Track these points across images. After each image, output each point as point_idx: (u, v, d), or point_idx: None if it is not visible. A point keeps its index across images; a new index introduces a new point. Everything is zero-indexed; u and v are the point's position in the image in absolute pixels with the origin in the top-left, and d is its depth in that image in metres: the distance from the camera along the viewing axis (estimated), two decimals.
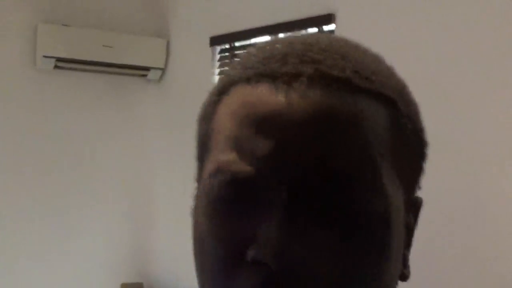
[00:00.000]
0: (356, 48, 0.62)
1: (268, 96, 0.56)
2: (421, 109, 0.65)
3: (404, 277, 0.61)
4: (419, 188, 0.65)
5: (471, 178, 2.42)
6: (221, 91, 0.62)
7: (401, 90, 0.62)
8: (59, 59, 3.93)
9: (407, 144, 0.60)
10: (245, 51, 0.64)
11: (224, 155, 0.57)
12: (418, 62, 2.58)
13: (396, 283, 0.60)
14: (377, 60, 0.63)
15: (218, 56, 3.94)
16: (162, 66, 4.25)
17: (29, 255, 3.95)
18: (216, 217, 0.57)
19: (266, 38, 3.59)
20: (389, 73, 0.62)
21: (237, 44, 3.80)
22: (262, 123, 0.55)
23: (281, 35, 3.52)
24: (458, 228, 2.46)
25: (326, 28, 3.17)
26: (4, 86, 3.91)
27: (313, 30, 3.24)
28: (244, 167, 0.55)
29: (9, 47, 3.92)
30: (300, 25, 3.28)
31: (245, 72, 0.59)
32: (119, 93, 4.29)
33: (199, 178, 0.64)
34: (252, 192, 0.55)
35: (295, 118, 0.54)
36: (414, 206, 0.64)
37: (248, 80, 0.58)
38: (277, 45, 0.60)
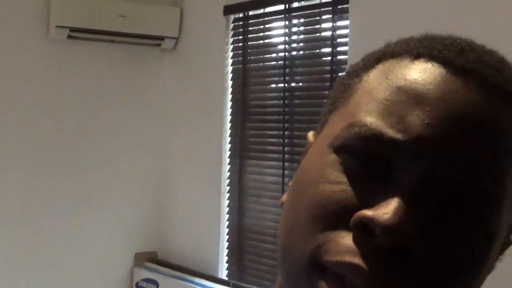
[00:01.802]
0: (493, 54, 0.59)
1: (435, 78, 0.54)
2: None
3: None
4: None
5: None
6: (379, 60, 0.60)
7: None
8: (72, 29, 3.92)
9: None
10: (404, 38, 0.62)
11: (367, 116, 0.54)
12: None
13: None
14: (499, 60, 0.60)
15: (231, 25, 3.92)
16: (176, 35, 4.24)
17: (42, 224, 3.98)
18: (333, 167, 0.55)
19: (280, 7, 3.57)
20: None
21: (251, 13, 3.78)
22: (419, 95, 0.53)
23: (295, 4, 3.49)
24: None
25: (340, 6, 3.15)
26: (16, 56, 3.91)
27: (326, 7, 3.21)
28: (386, 129, 0.53)
29: (22, 16, 3.91)
30: None
31: (413, 49, 0.58)
32: (133, 62, 4.28)
33: (318, 133, 0.62)
34: (384, 158, 0.53)
35: (456, 104, 0.53)
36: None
37: (416, 56, 0.57)
38: (450, 39, 0.59)
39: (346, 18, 3.21)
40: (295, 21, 3.55)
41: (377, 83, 0.57)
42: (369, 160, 0.53)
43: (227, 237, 3.93)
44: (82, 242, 4.11)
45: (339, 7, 3.23)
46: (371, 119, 0.54)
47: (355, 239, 0.51)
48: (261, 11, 3.73)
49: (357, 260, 0.50)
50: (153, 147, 4.37)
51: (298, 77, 3.62)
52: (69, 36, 3.96)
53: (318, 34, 3.46)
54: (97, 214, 4.17)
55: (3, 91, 3.86)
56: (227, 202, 3.94)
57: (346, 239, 0.51)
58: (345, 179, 0.53)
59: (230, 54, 3.93)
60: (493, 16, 2.43)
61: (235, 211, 3.86)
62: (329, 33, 3.35)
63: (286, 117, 3.58)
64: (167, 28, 4.20)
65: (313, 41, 3.51)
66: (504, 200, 0.53)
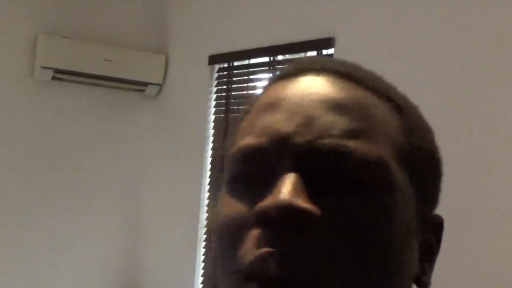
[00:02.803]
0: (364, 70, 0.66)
1: (281, 90, 0.60)
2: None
3: (423, 284, 0.61)
4: (436, 206, 0.65)
5: (475, 179, 2.42)
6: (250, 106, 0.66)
7: (406, 101, 0.65)
8: (57, 71, 3.94)
9: (420, 156, 0.61)
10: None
11: (239, 141, 0.60)
12: (416, 85, 2.59)
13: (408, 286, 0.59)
14: (379, 77, 0.66)
15: (216, 75, 3.95)
16: (160, 82, 4.26)
17: (23, 261, 3.93)
18: (232, 194, 0.59)
19: (265, 59, 3.61)
20: (392, 86, 0.65)
21: (235, 63, 3.82)
22: (272, 106, 0.59)
23: (279, 57, 3.53)
24: (459, 229, 2.46)
25: (325, 51, 3.18)
26: (0, 95, 3.91)
27: (312, 53, 3.25)
28: (253, 140, 0.57)
29: (8, 55, 3.92)
30: (299, 48, 3.29)
31: (286, 69, 0.65)
32: (116, 106, 4.30)
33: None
34: (260, 163, 0.57)
35: (304, 101, 0.58)
36: (432, 224, 0.64)
37: (269, 85, 0.64)
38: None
39: None
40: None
41: (247, 119, 0.62)
42: (253, 174, 0.57)
43: (201, 286, 3.89)
44: (59, 282, 4.05)
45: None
46: (242, 141, 0.59)
47: (259, 235, 0.53)
48: (246, 62, 3.77)
49: (264, 249, 0.52)
50: (129, 192, 4.35)
51: None
52: (53, 78, 3.97)
53: None
54: (75, 255, 4.12)
55: None
56: (203, 250, 3.91)
57: (252, 240, 0.54)
58: (234, 201, 0.58)
59: (213, 103, 3.95)
60: (474, 46, 2.48)
61: (212, 260, 3.83)
62: None
63: None
64: (151, 75, 4.23)
65: None
66: (381, 161, 0.56)
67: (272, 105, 0.59)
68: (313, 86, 0.59)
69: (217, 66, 3.95)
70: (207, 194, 3.91)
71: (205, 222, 3.91)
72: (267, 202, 0.52)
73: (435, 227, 0.64)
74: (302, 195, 0.52)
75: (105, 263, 4.25)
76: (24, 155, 3.98)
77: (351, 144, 0.55)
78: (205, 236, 3.90)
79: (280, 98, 0.59)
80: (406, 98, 0.65)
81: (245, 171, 0.58)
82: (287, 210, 0.51)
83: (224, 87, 3.89)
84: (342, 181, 0.54)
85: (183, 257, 3.98)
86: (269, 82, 0.65)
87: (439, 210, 0.66)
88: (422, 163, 0.61)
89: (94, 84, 4.14)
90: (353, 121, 0.56)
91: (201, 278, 3.89)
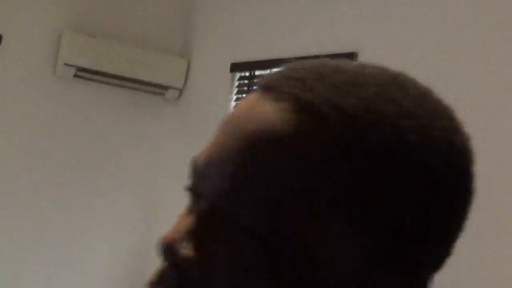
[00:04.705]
0: (335, 70, 0.51)
1: (244, 101, 0.54)
2: None
3: None
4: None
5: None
6: None
7: (371, 107, 0.48)
8: (79, 68, 3.96)
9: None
10: None
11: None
12: None
13: None
14: (354, 77, 0.51)
15: (236, 83, 3.96)
16: (180, 86, 4.27)
17: (36, 257, 3.94)
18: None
19: None
20: (357, 88, 0.49)
21: (257, 73, 3.82)
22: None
23: None
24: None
25: None
26: (22, 90, 3.94)
27: None
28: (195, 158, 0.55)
29: (32, 51, 3.95)
30: None
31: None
32: (135, 108, 4.31)
33: None
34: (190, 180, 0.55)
35: (223, 122, 0.53)
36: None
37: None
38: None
39: None
40: None
41: None
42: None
43: None
44: (71, 278, 4.06)
45: None
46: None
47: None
48: (268, 71, 3.77)
49: (149, 278, 0.54)
50: (147, 195, 4.36)
51: None
52: (75, 75, 3.99)
53: None
54: (88, 253, 4.13)
55: (9, 124, 3.88)
56: None
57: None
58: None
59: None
60: (496, 60, 2.46)
61: None
62: None
63: None
64: (172, 78, 4.24)
65: None
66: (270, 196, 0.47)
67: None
68: (240, 105, 0.53)
69: (238, 74, 3.95)
70: None
71: None
72: (164, 233, 0.53)
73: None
74: (185, 237, 0.50)
75: (118, 262, 4.25)
76: (41, 151, 4.00)
77: (205, 167, 0.51)
78: None
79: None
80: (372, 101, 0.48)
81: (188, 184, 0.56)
82: (163, 248, 0.51)
83: (244, 95, 3.89)
84: (223, 221, 0.49)
85: None
86: None
87: None
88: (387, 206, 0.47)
89: (115, 84, 4.16)
90: (225, 142, 0.50)
91: None
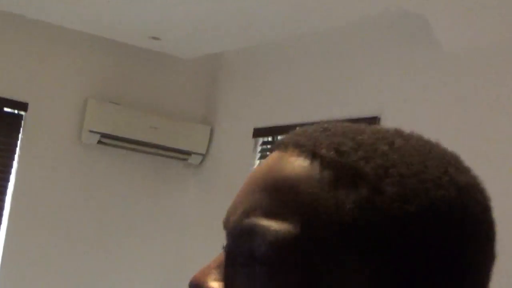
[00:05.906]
0: (354, 132, 0.58)
1: (265, 160, 0.61)
2: None
3: None
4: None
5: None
6: None
7: (387, 169, 0.53)
8: (103, 135, 4.00)
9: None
10: None
11: None
12: None
13: None
14: (368, 138, 0.57)
15: (259, 148, 3.97)
16: (203, 151, 4.29)
17: None
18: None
19: None
20: (374, 149, 0.55)
21: (279, 138, 3.82)
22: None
23: None
24: None
25: None
26: (49, 156, 3.98)
27: None
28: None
29: (58, 118, 4.01)
30: None
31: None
32: (159, 173, 4.33)
33: None
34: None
35: (248, 180, 0.60)
36: None
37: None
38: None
39: None
40: None
41: None
42: None
43: None
44: None
45: None
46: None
47: None
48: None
49: None
50: (170, 262, 4.33)
51: None
52: (99, 142, 4.03)
53: None
54: None
55: (38, 188, 3.94)
56: None
57: None
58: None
59: None
60: None
61: None
62: None
63: None
64: (195, 144, 4.26)
65: None
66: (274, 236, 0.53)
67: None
68: (264, 163, 0.59)
69: (261, 139, 3.97)
70: None
71: None
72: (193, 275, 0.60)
73: None
74: (214, 273, 0.59)
75: None
76: (69, 216, 4.02)
77: (247, 221, 0.55)
78: None
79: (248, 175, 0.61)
80: (388, 162, 0.54)
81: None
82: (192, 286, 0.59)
83: None
84: (242, 255, 0.55)
85: None
86: None
87: None
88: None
89: (138, 150, 4.19)
90: (261, 198, 0.56)
91: None
